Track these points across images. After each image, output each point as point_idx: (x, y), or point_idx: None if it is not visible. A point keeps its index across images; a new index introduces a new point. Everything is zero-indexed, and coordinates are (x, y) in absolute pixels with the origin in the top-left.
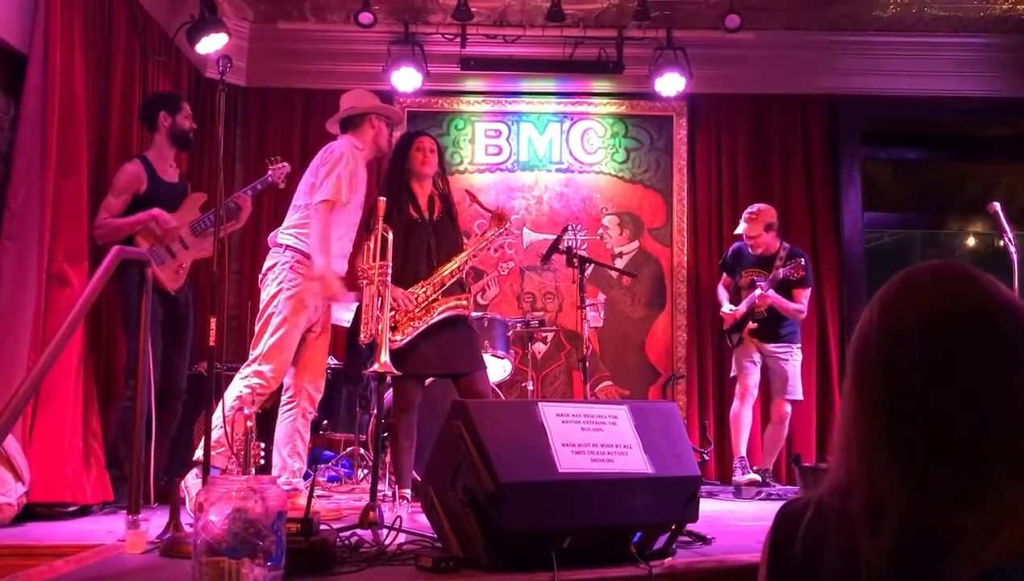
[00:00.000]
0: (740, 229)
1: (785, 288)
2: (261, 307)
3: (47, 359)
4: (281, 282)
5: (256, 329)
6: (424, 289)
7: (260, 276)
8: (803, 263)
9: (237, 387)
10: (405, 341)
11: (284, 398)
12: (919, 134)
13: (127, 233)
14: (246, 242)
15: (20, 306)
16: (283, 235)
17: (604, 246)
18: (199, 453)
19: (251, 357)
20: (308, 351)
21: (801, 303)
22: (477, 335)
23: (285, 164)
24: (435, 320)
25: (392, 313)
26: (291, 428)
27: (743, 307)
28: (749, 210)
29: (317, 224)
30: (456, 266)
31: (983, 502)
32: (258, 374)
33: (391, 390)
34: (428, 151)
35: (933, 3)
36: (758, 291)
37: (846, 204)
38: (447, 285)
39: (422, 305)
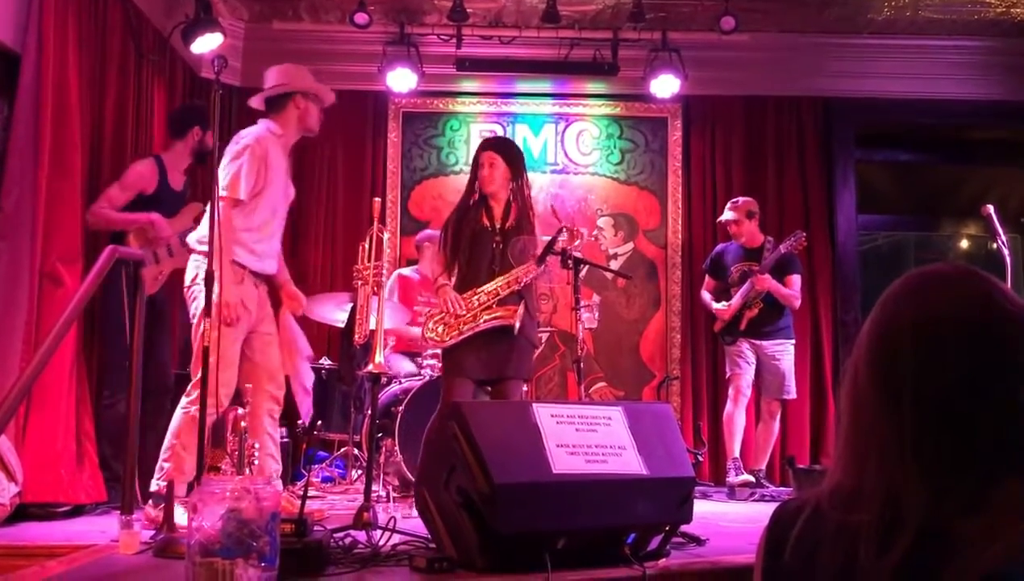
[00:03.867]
0: (724, 217)
1: (778, 275)
2: (193, 323)
3: (41, 359)
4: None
5: (194, 346)
6: (478, 296)
7: (185, 287)
8: (803, 236)
9: (182, 417)
10: (449, 344)
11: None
12: (913, 137)
13: (120, 228)
14: None
15: (13, 306)
16: (199, 235)
17: (599, 247)
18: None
19: (194, 379)
20: (258, 352)
21: (794, 289)
22: (530, 346)
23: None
24: (480, 328)
25: (442, 314)
26: (260, 432)
27: (737, 300)
28: (731, 201)
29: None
30: (515, 277)
31: (992, 509)
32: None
33: (385, 391)
34: (488, 166)
35: (927, 6)
36: (753, 279)
37: (840, 206)
38: (502, 295)
39: (472, 310)
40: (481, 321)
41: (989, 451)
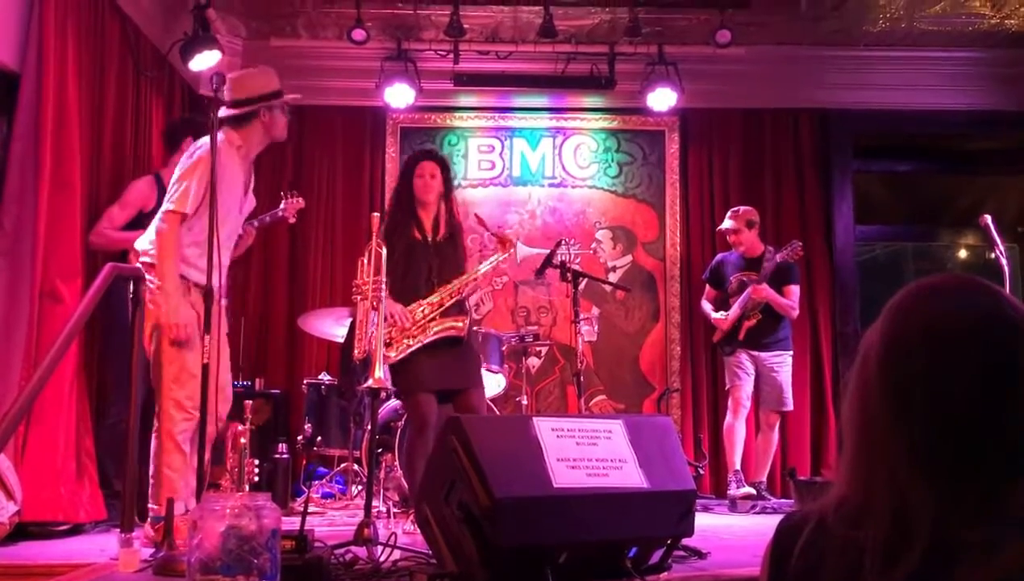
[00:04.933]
0: (723, 225)
1: (776, 285)
2: (147, 339)
3: (41, 376)
4: (154, 307)
5: (152, 365)
6: (422, 308)
7: (133, 297)
8: (800, 245)
9: (157, 439)
10: (398, 357)
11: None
12: (910, 147)
13: (120, 247)
14: (237, 262)
15: (13, 323)
16: (143, 247)
17: (598, 260)
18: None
19: (160, 400)
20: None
21: (792, 300)
22: (477, 354)
23: (300, 199)
24: (429, 340)
25: (389, 329)
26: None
27: (736, 310)
28: (732, 210)
29: (161, 237)
30: (455, 288)
31: (1002, 518)
32: (178, 407)
33: (385, 406)
34: (428, 177)
35: (922, 17)
36: (751, 288)
37: (838, 217)
38: (446, 306)
39: (418, 323)
40: (431, 332)
41: (1000, 460)
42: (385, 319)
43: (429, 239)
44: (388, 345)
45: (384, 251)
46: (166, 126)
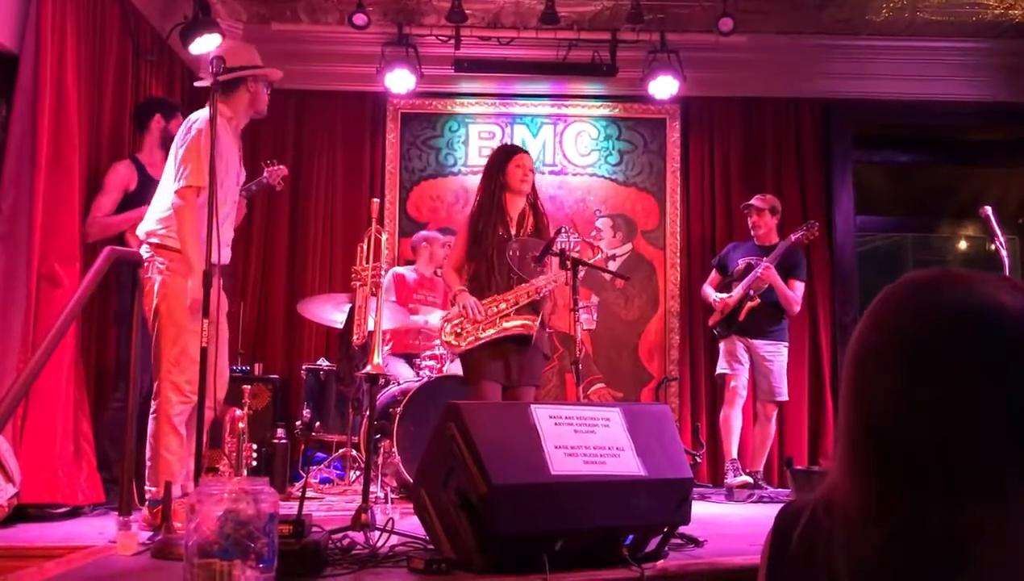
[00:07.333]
0: (749, 201)
1: (782, 275)
2: (151, 321)
3: (39, 359)
4: (159, 288)
5: (152, 347)
6: (498, 304)
7: (141, 280)
8: (816, 225)
9: (154, 420)
10: (464, 349)
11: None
12: (911, 138)
13: (117, 231)
14: (238, 242)
15: (11, 307)
16: (148, 228)
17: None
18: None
19: (159, 382)
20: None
21: (796, 294)
22: (542, 353)
23: (282, 166)
24: (499, 335)
25: (459, 319)
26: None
27: (740, 290)
28: (760, 194)
29: (183, 214)
30: (534, 288)
31: (977, 528)
32: (175, 390)
33: (383, 392)
34: (528, 169)
35: (925, 7)
36: (761, 266)
37: (838, 207)
38: (520, 304)
39: (489, 318)
40: (500, 327)
41: (967, 472)
42: (460, 310)
43: (513, 234)
44: (458, 335)
45: (384, 237)
46: (134, 108)
